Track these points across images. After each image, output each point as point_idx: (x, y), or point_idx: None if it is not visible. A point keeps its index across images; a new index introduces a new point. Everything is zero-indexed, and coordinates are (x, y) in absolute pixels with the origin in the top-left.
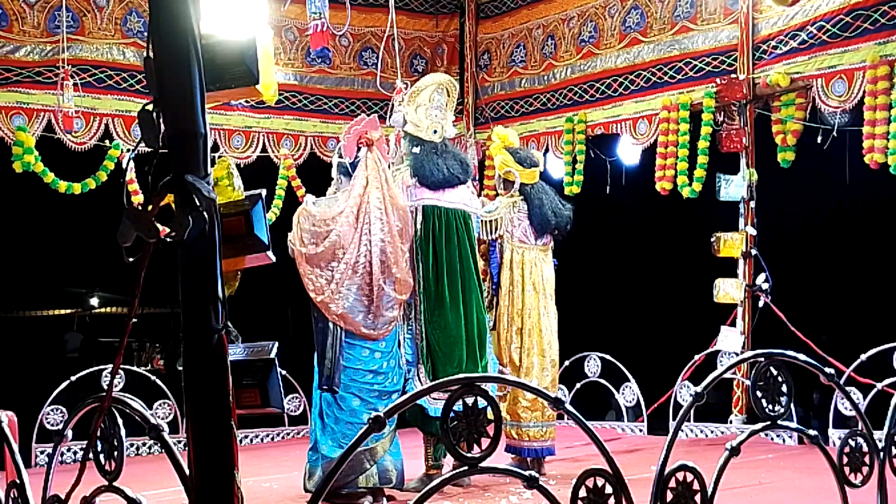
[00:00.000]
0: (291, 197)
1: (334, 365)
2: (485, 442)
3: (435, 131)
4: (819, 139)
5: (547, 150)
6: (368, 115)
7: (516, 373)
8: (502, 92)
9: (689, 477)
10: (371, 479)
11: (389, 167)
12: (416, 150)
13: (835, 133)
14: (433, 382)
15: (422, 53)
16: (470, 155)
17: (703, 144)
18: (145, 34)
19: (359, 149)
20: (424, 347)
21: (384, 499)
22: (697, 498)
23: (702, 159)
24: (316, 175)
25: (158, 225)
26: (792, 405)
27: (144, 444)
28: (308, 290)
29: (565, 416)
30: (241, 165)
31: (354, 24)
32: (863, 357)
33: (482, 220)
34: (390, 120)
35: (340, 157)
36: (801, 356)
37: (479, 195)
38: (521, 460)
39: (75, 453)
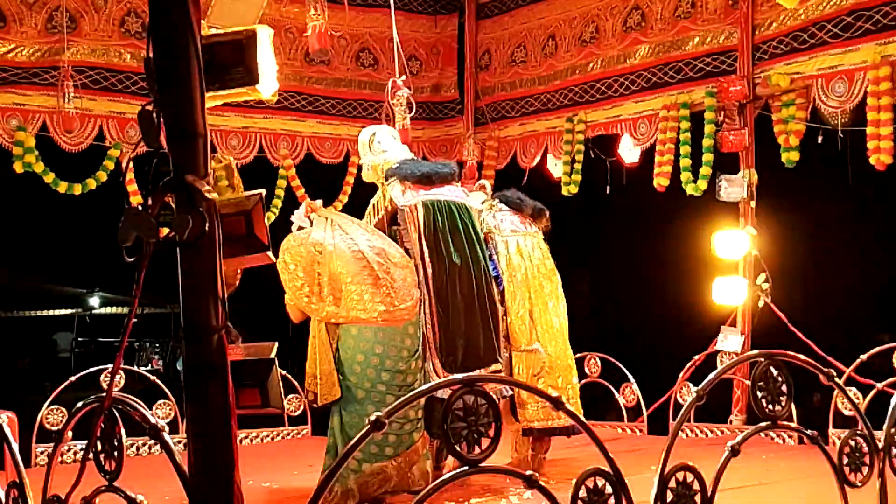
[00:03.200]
0: (291, 197)
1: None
2: (485, 442)
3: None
4: (819, 139)
5: (546, 150)
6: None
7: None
8: (502, 92)
9: (689, 477)
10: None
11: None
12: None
13: (840, 134)
14: (436, 382)
15: (417, 55)
16: (470, 154)
17: (707, 143)
18: (143, 35)
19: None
20: (441, 337)
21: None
22: (697, 498)
23: (707, 157)
24: (313, 176)
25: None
26: (792, 405)
27: (144, 444)
28: (307, 308)
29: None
30: (239, 166)
31: (352, 25)
32: (863, 357)
33: None
34: (363, 173)
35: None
36: (801, 356)
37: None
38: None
39: (75, 453)
